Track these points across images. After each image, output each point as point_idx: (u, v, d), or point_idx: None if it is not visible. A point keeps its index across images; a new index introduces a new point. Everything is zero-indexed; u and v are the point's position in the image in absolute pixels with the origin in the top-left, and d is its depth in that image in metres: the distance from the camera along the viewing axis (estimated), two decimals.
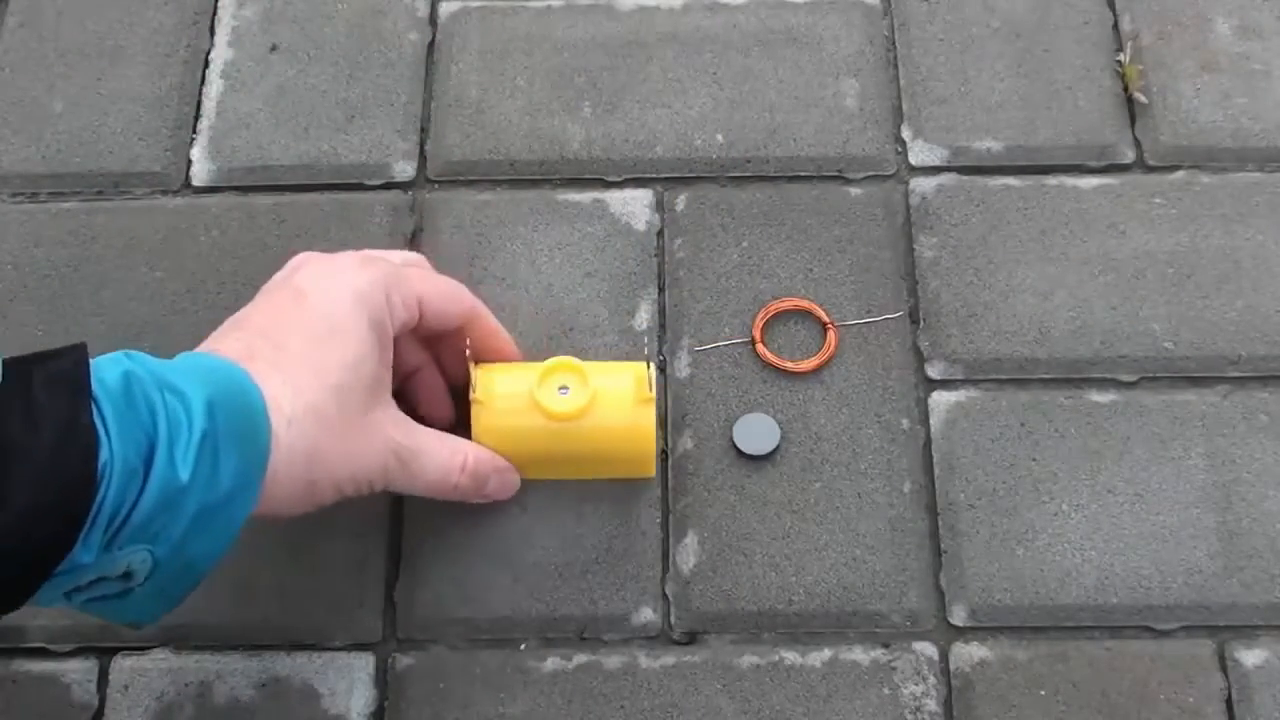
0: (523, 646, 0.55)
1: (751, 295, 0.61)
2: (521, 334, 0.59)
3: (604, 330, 0.60)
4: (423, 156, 0.65)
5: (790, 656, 0.54)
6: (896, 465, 0.57)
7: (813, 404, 0.59)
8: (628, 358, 0.59)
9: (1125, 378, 0.59)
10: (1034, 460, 0.57)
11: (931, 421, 0.58)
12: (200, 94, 0.66)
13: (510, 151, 0.64)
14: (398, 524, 0.57)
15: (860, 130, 0.64)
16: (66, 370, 0.40)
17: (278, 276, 0.51)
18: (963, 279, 0.61)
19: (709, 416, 0.58)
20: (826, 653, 0.54)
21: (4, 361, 0.40)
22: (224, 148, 0.65)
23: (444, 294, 0.53)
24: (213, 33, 0.68)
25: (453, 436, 0.53)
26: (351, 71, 0.67)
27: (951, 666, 0.54)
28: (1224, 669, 0.54)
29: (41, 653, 0.55)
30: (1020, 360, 0.59)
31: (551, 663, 0.54)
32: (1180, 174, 0.63)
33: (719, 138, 0.64)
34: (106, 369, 0.42)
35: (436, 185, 0.64)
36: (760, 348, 0.60)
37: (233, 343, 0.47)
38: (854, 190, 0.63)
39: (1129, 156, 0.64)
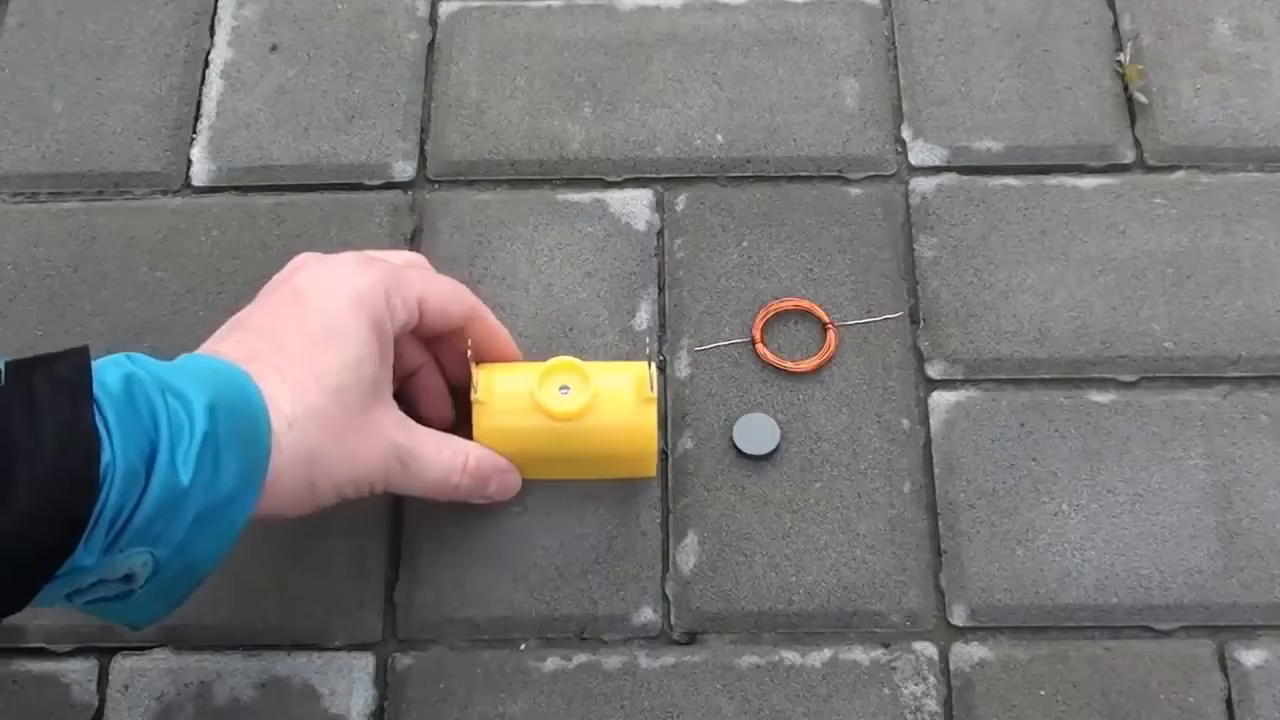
0: (523, 646, 0.55)
1: (751, 295, 0.61)
2: (521, 334, 0.59)
3: (604, 330, 0.60)
4: (423, 156, 0.65)
5: (790, 656, 0.54)
6: (896, 465, 0.57)
7: (813, 404, 0.59)
8: (628, 358, 0.59)
9: (1125, 378, 0.59)
10: (1034, 460, 0.57)
11: (931, 421, 0.58)
12: (200, 94, 0.66)
13: (510, 151, 0.64)
14: (398, 524, 0.57)
15: (860, 130, 0.64)
16: (68, 373, 0.40)
17: (277, 278, 0.51)
18: (963, 279, 0.61)
19: (709, 416, 0.59)
20: (826, 653, 0.54)
21: (6, 364, 0.40)
22: (224, 148, 0.65)
23: (445, 294, 0.53)
24: (213, 33, 0.68)
25: (453, 437, 0.53)
26: (351, 71, 0.67)
27: (951, 666, 0.54)
28: (1224, 669, 0.54)
29: (41, 653, 0.55)
30: (1020, 360, 0.59)
31: (551, 663, 0.54)
32: (1180, 174, 0.63)
33: (719, 138, 0.64)
34: (108, 372, 0.42)
35: (436, 185, 0.64)
36: (760, 348, 0.60)
37: (233, 344, 0.47)
38: (854, 190, 0.63)
39: (1129, 156, 0.64)
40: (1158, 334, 0.60)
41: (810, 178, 0.64)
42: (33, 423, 0.39)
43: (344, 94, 0.66)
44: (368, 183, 0.64)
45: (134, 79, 0.66)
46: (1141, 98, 0.65)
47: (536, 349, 0.59)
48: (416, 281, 0.51)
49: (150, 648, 0.55)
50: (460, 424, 0.55)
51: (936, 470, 0.57)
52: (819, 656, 0.54)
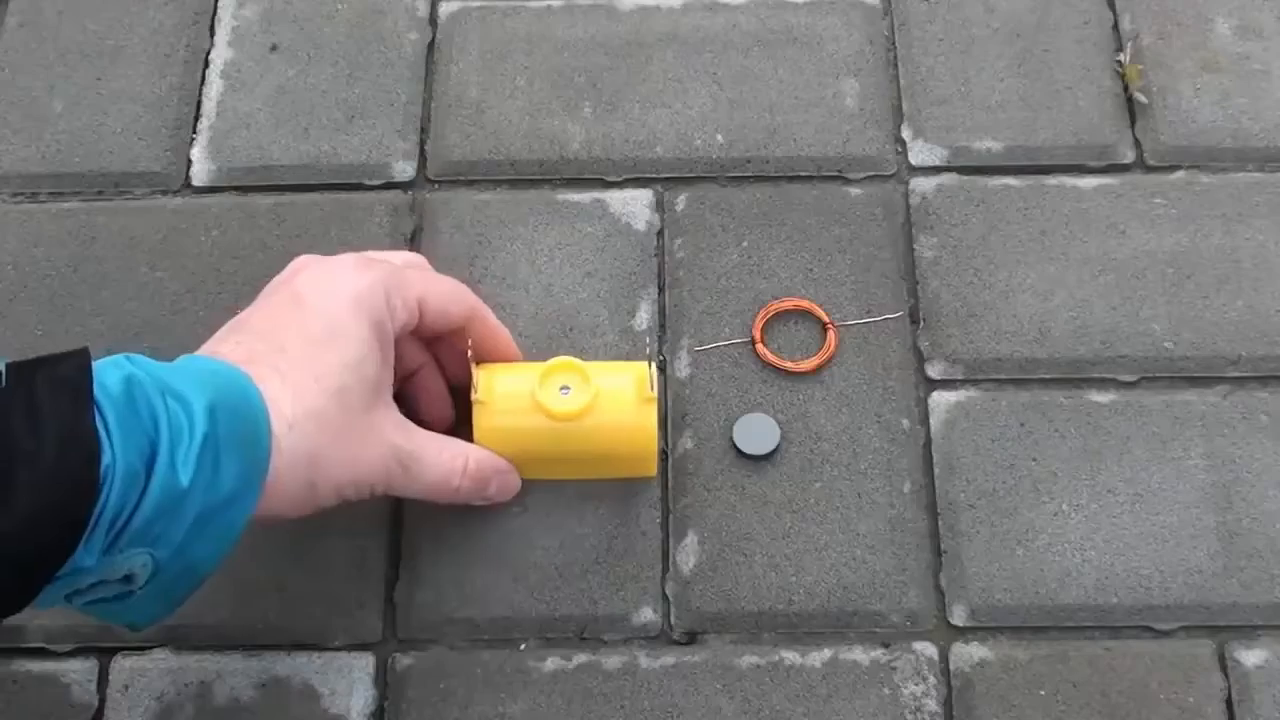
0: (523, 646, 0.55)
1: (751, 295, 0.61)
2: (521, 334, 0.59)
3: (604, 330, 0.60)
4: (423, 156, 0.65)
5: (790, 656, 0.54)
6: (896, 465, 0.57)
7: (813, 404, 0.59)
8: (628, 358, 0.59)
9: (1125, 378, 0.59)
10: (1034, 460, 0.57)
11: (931, 421, 0.58)
12: (200, 94, 0.66)
13: (510, 151, 0.64)
14: (398, 524, 0.57)
15: (860, 130, 0.64)
16: (69, 375, 0.40)
17: (277, 280, 0.51)
18: (963, 279, 0.61)
19: (709, 416, 0.58)
20: (826, 653, 0.54)
21: (6, 365, 0.40)
22: (224, 148, 0.65)
23: (445, 294, 0.53)
24: (213, 33, 0.68)
25: (453, 439, 0.53)
26: (351, 71, 0.67)
27: (951, 666, 0.54)
28: (1224, 669, 0.54)
29: (41, 653, 0.55)
30: (1020, 360, 0.59)
31: (551, 663, 0.54)
32: (1180, 174, 0.63)
33: (719, 138, 0.64)
34: (108, 373, 0.42)
35: (436, 185, 0.64)
36: (760, 348, 0.60)
37: (233, 346, 0.47)
38: (854, 190, 0.63)
39: (1129, 156, 0.64)
40: (1158, 334, 0.60)
41: (810, 178, 0.64)
42: (34, 424, 0.39)
43: (344, 94, 0.66)
44: (368, 183, 0.64)
45: (134, 79, 0.66)
46: (1141, 98, 0.65)
47: (536, 349, 0.59)
48: (416, 282, 0.51)
49: (150, 648, 0.55)
50: (460, 424, 0.55)
51: (936, 470, 0.57)
52: (819, 656, 0.54)
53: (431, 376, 0.56)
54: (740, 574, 0.56)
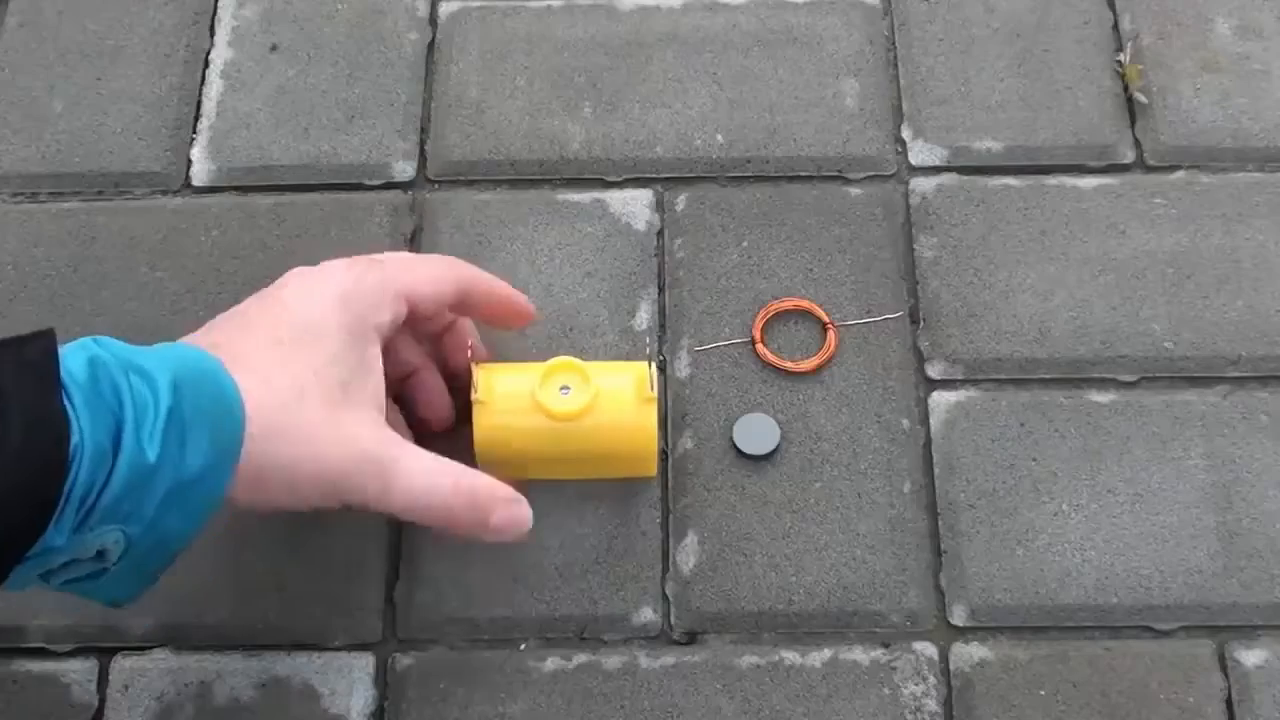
0: (523, 646, 0.55)
1: (751, 295, 0.61)
2: (522, 334, 0.59)
3: (604, 330, 0.60)
4: (423, 156, 0.65)
5: (790, 656, 0.54)
6: (896, 465, 0.57)
7: (813, 404, 0.59)
8: (628, 358, 0.59)
9: (1125, 378, 0.59)
10: (1034, 460, 0.57)
11: (931, 421, 0.58)
12: (200, 94, 0.66)
13: (510, 151, 0.64)
14: (398, 524, 0.57)
15: (860, 130, 0.64)
16: (35, 357, 0.40)
17: (264, 290, 0.51)
18: (963, 279, 0.61)
19: (709, 416, 0.59)
20: (826, 653, 0.54)
21: None
22: (224, 148, 0.65)
23: (433, 278, 0.52)
24: (213, 33, 0.68)
25: (450, 461, 0.50)
26: (351, 71, 0.67)
27: (951, 666, 0.54)
28: (1224, 669, 0.54)
29: (41, 653, 0.55)
30: (1020, 360, 0.59)
31: (551, 663, 0.54)
32: (1180, 174, 0.63)
33: (719, 138, 0.64)
34: (73, 356, 0.42)
35: (436, 185, 0.64)
36: (760, 348, 0.60)
37: (200, 338, 0.47)
38: (854, 190, 0.63)
39: (1129, 156, 0.64)
40: (1158, 334, 0.60)
41: (810, 178, 0.64)
42: (1, 406, 0.39)
43: (344, 94, 0.66)
44: (368, 183, 0.64)
45: (134, 79, 0.66)
46: (1141, 98, 0.65)
47: (536, 349, 0.59)
48: (400, 275, 0.51)
49: (150, 648, 0.55)
50: (461, 425, 0.55)
51: (936, 470, 0.57)
52: (819, 656, 0.54)
53: (430, 377, 0.55)
54: (740, 574, 0.56)
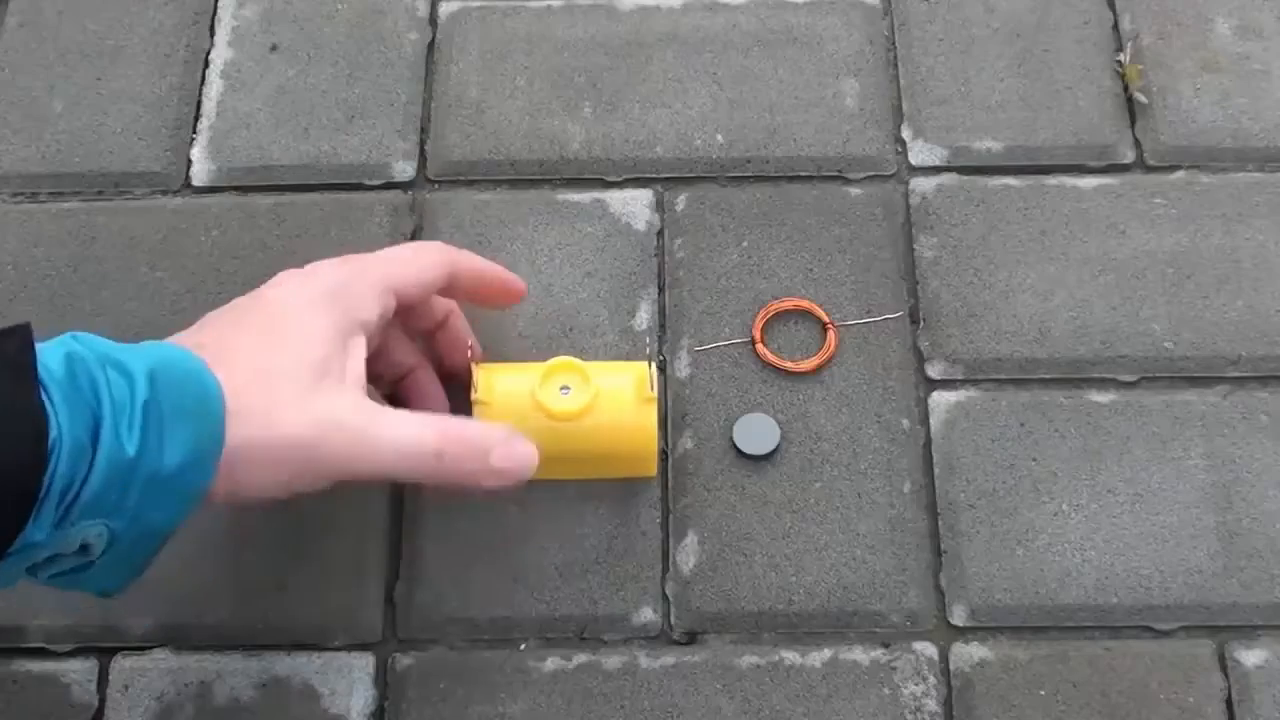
0: (523, 646, 0.55)
1: (751, 295, 0.61)
2: (521, 334, 0.59)
3: (604, 330, 0.60)
4: (423, 156, 0.65)
5: (790, 656, 0.54)
6: (896, 465, 0.57)
7: (813, 404, 0.59)
8: (628, 358, 0.59)
9: (1125, 378, 0.59)
10: (1034, 460, 0.57)
11: (931, 421, 0.58)
12: (200, 94, 0.66)
13: (510, 151, 0.64)
14: (398, 524, 0.57)
15: (860, 130, 0.64)
16: (10, 353, 0.40)
17: (255, 290, 0.51)
18: (963, 279, 0.61)
19: (709, 416, 0.59)
20: (826, 653, 0.54)
21: None
22: (224, 148, 0.65)
23: (416, 267, 0.52)
24: (213, 33, 0.68)
25: (436, 414, 0.50)
26: (351, 71, 0.67)
27: (951, 666, 0.54)
28: (1224, 669, 0.54)
29: (41, 653, 0.55)
30: (1020, 360, 0.59)
31: (551, 663, 0.54)
32: (1180, 174, 0.63)
33: (719, 138, 0.64)
34: (49, 352, 0.42)
35: (436, 185, 0.64)
36: (760, 348, 0.60)
37: (188, 337, 0.48)
38: (854, 190, 0.63)
39: (1129, 156, 0.64)
40: (1158, 334, 0.60)
41: (810, 178, 0.64)
42: None
43: (344, 94, 0.66)
44: (368, 183, 0.64)
45: (134, 79, 0.66)
46: (1141, 98, 0.65)
47: (536, 349, 0.59)
48: (385, 269, 0.51)
49: (150, 648, 0.55)
50: None
51: (936, 470, 0.57)
52: (819, 656, 0.54)
53: (425, 377, 0.55)
54: (740, 574, 0.56)
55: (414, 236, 0.62)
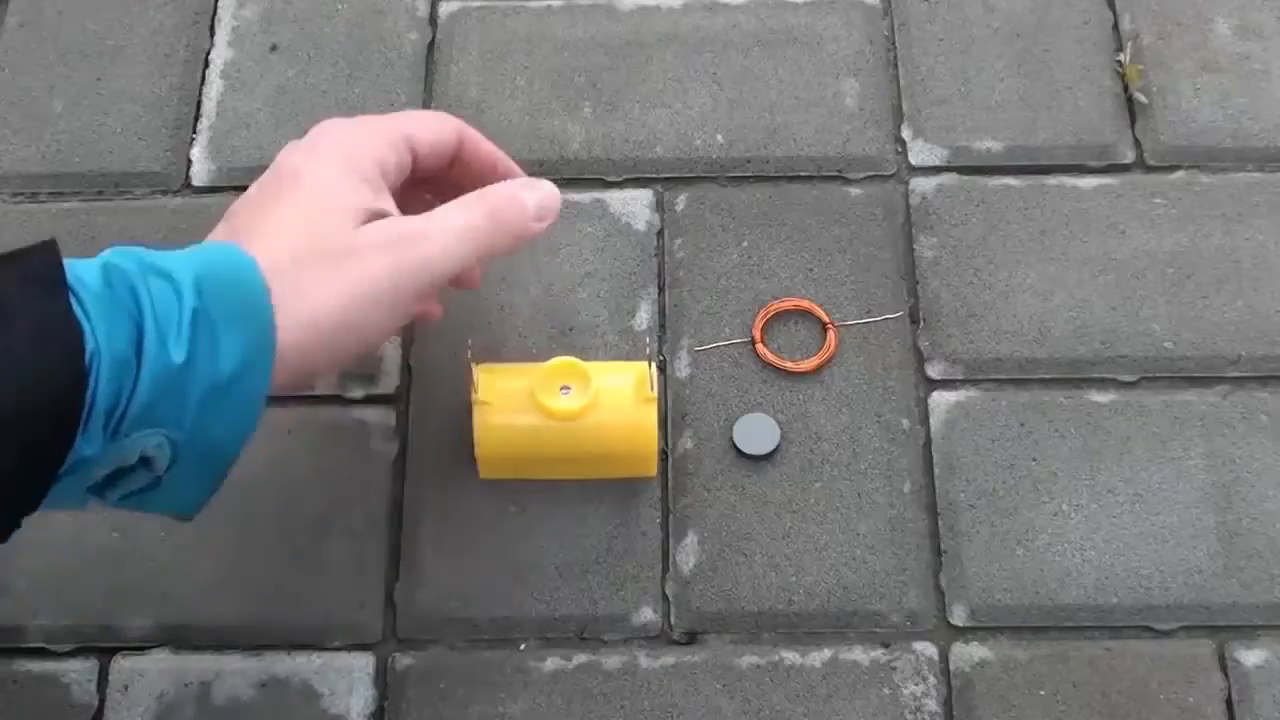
0: (523, 646, 0.55)
1: (751, 295, 0.61)
2: (521, 334, 0.59)
3: (604, 330, 0.60)
4: None
5: (790, 656, 0.54)
6: (896, 465, 0.57)
7: (813, 404, 0.59)
8: (628, 358, 0.59)
9: (1125, 378, 0.59)
10: (1034, 460, 0.57)
11: (931, 421, 0.58)
12: (200, 94, 0.66)
13: (510, 151, 0.64)
14: (398, 524, 0.57)
15: (860, 130, 0.64)
16: (38, 268, 0.39)
17: (270, 167, 0.50)
18: (963, 279, 0.61)
19: (709, 416, 0.59)
20: (826, 653, 0.54)
21: None
22: (224, 148, 0.65)
23: (433, 125, 0.51)
24: (213, 33, 0.68)
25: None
26: (351, 71, 0.67)
27: (951, 666, 0.54)
28: (1224, 669, 0.54)
29: (41, 653, 0.55)
30: (1020, 360, 0.59)
31: (551, 663, 0.54)
32: (1180, 174, 0.63)
33: (719, 138, 0.64)
34: (84, 267, 0.41)
35: None
36: (760, 348, 0.60)
37: (221, 231, 0.47)
38: (854, 190, 0.63)
39: (1129, 156, 0.64)
40: (1158, 334, 0.60)
41: (810, 178, 0.64)
42: (6, 320, 0.38)
43: (344, 94, 0.66)
44: None
45: (134, 79, 0.66)
46: (1141, 98, 0.65)
47: (536, 349, 0.59)
48: (392, 119, 0.50)
49: (150, 648, 0.55)
50: (460, 425, 0.55)
51: (936, 470, 0.57)
52: (819, 656, 0.54)
53: None
54: (740, 574, 0.56)
55: None
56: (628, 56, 0.67)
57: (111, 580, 0.56)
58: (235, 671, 0.54)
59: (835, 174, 0.64)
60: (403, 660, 0.55)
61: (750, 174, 0.64)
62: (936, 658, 0.54)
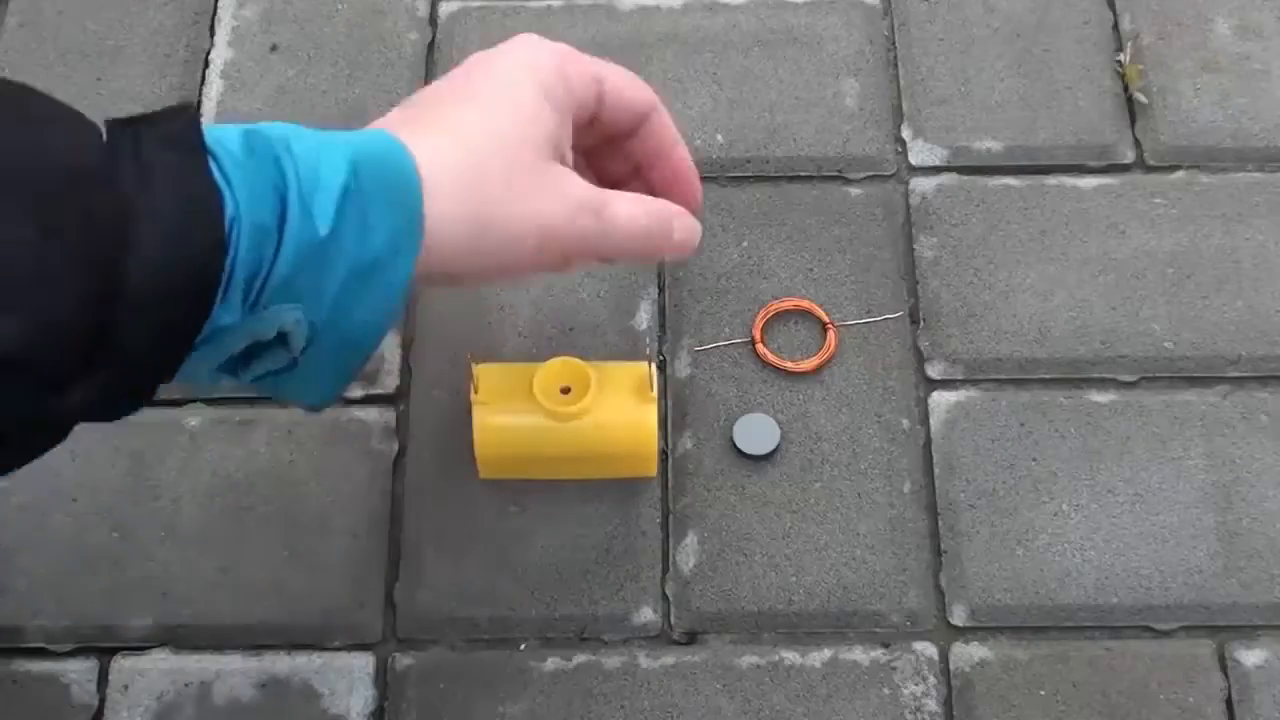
0: (523, 646, 0.55)
1: (751, 295, 0.61)
2: (521, 334, 0.59)
3: (604, 330, 0.60)
4: None
5: (790, 656, 0.54)
6: (896, 465, 0.57)
7: (813, 404, 0.59)
8: (628, 358, 0.59)
9: (1125, 378, 0.59)
10: (1034, 460, 0.57)
11: (931, 421, 0.58)
12: (200, 94, 0.66)
13: None
14: (398, 524, 0.57)
15: (860, 130, 0.64)
16: (177, 130, 0.38)
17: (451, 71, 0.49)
18: (963, 279, 0.61)
19: (709, 416, 0.58)
20: (826, 653, 0.54)
21: (106, 124, 0.38)
22: None
23: (624, 77, 0.50)
24: (213, 33, 0.68)
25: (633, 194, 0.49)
26: (351, 71, 0.67)
27: (951, 666, 0.54)
28: (1224, 669, 0.54)
29: (41, 653, 0.55)
30: (1020, 360, 0.59)
31: (551, 663, 0.54)
32: (1180, 174, 0.63)
33: (719, 138, 0.64)
34: (225, 131, 0.39)
35: None
36: (760, 348, 0.60)
37: (389, 119, 0.45)
38: (854, 190, 0.63)
39: (1129, 156, 0.64)
40: (1158, 334, 0.60)
41: (810, 178, 0.64)
42: (147, 182, 0.36)
43: (344, 94, 0.66)
44: None
45: (134, 79, 0.66)
46: (1141, 98, 0.65)
47: (537, 349, 0.59)
48: (596, 62, 0.49)
49: (150, 648, 0.55)
50: (461, 424, 0.55)
51: (936, 470, 0.57)
52: (819, 656, 0.54)
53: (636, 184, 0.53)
54: (740, 574, 0.56)
55: None
56: (628, 56, 0.66)
57: (111, 580, 0.56)
58: (235, 671, 0.54)
59: (835, 174, 0.64)
60: (403, 660, 0.55)
61: (750, 174, 0.64)
62: (936, 658, 0.54)
